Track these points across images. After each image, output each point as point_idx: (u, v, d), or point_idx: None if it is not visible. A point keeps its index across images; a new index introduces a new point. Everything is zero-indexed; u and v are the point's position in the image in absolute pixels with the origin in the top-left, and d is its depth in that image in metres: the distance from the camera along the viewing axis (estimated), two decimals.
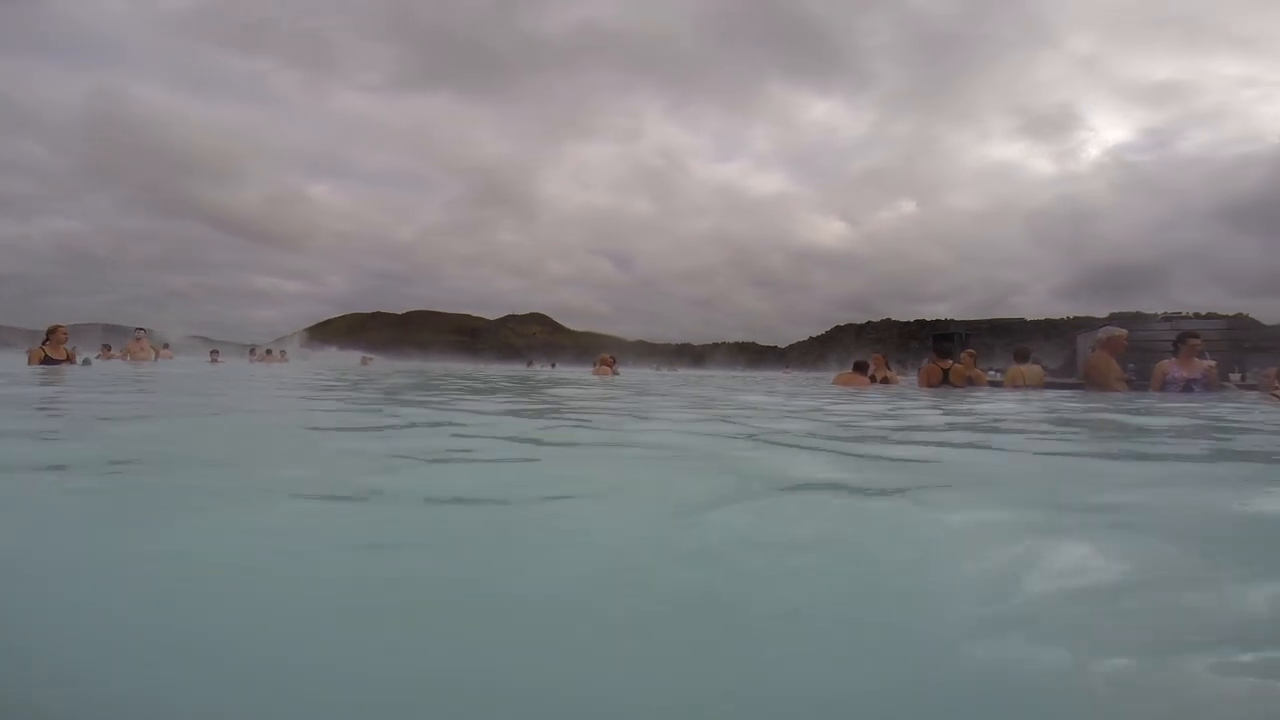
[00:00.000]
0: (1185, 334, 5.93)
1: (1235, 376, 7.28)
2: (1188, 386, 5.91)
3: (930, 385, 7.71)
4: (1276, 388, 5.08)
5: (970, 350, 8.61)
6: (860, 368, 8.33)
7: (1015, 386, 6.99)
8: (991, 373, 8.75)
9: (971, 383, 7.85)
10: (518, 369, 27.17)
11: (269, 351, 22.57)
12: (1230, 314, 43.56)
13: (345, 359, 37.73)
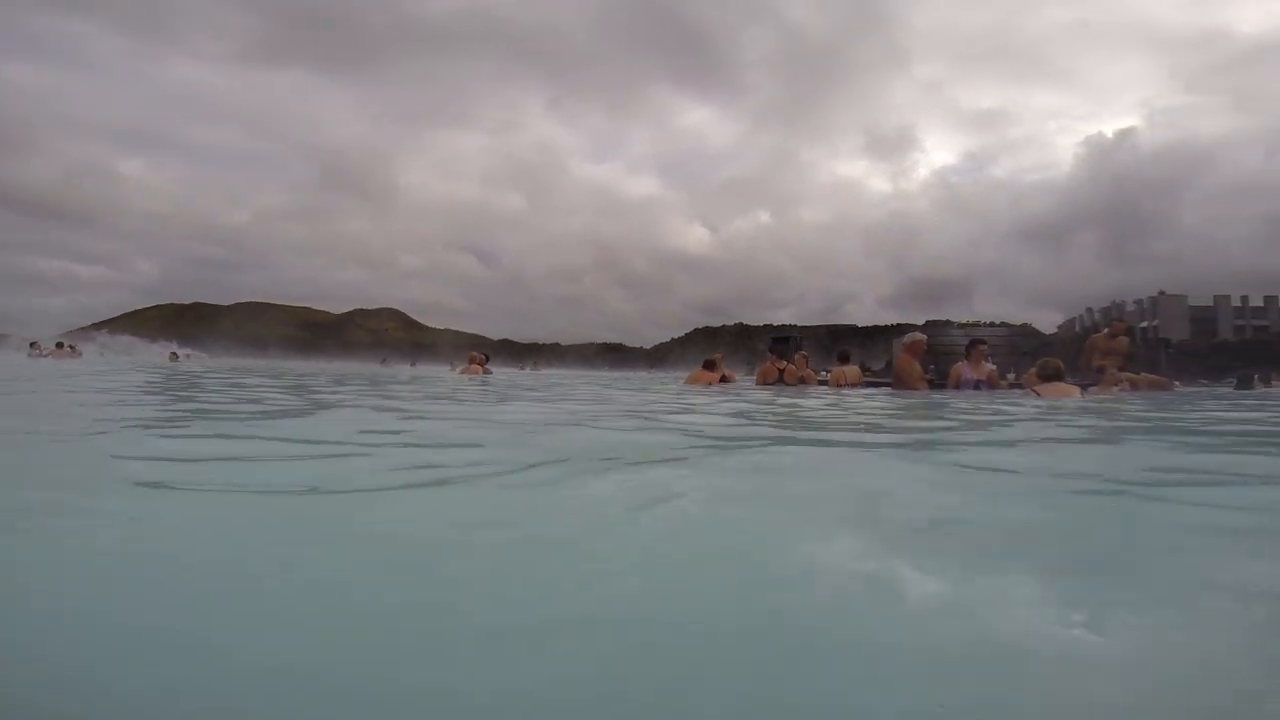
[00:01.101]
0: (974, 340, 6.79)
1: (1010, 376, 8.50)
2: (977, 386, 6.76)
3: (766, 383, 8.16)
4: (1036, 385, 5.95)
5: (803, 352, 9.25)
6: (709, 366, 8.65)
7: (838, 385, 7.59)
8: (822, 373, 9.46)
9: (804, 382, 8.42)
10: (368, 367, 25.15)
11: (59, 345, 18.76)
12: (1018, 323, 51.55)
13: (154, 354, 32.50)
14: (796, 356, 9.05)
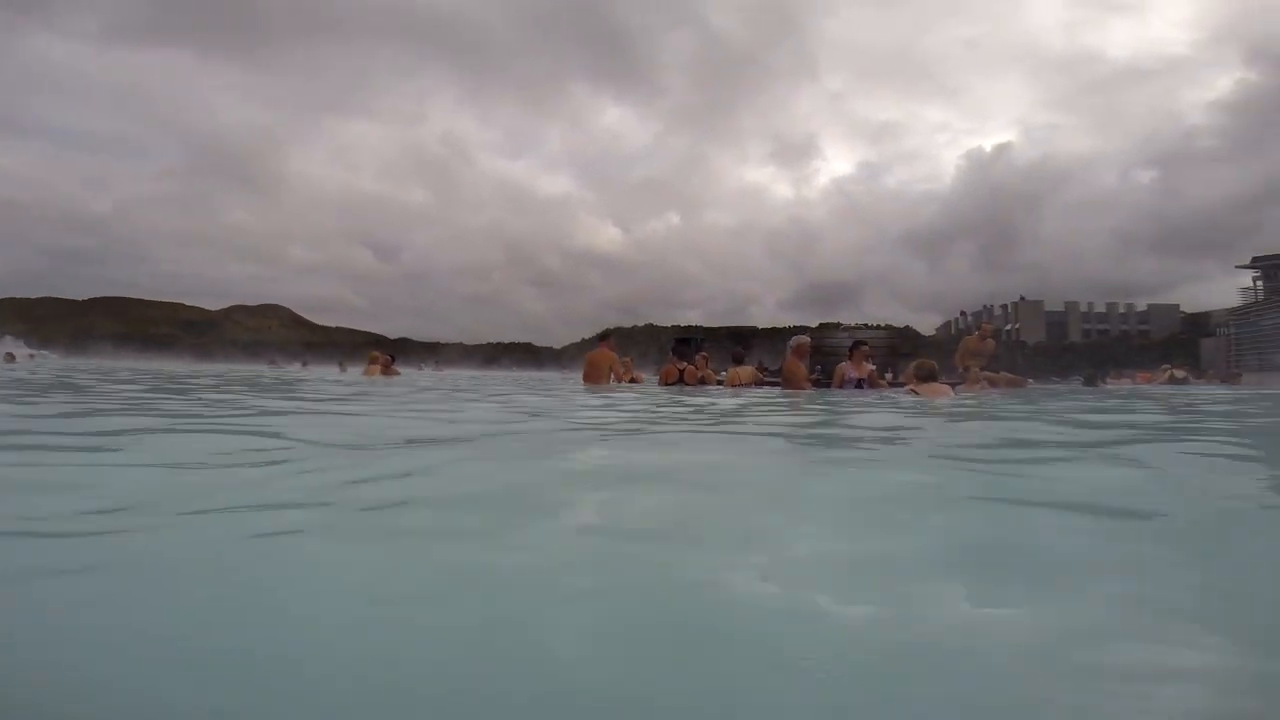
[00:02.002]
0: (856, 342, 7.25)
1: (888, 376, 9.13)
2: (859, 384, 7.20)
3: (668, 384, 8.28)
4: (915, 384, 6.41)
5: (704, 354, 9.48)
6: (603, 337, 8.82)
7: (734, 385, 7.84)
8: (721, 373, 9.73)
9: (704, 382, 8.62)
10: (254, 369, 23.19)
11: None
12: (900, 326, 55.67)
13: None
14: (697, 357, 9.26)
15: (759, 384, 8.36)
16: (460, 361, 79.47)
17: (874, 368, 7.20)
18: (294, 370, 21.34)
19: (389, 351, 12.15)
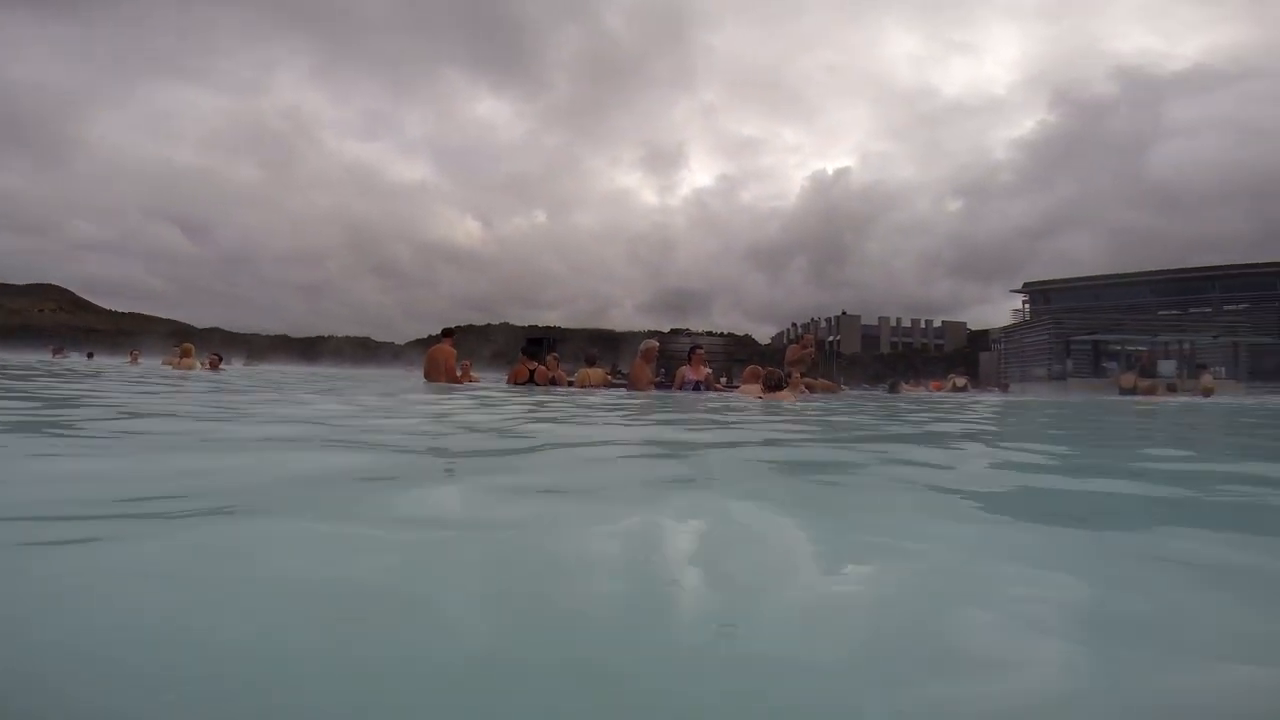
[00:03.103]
0: (694, 347, 7.75)
1: (723, 380, 9.85)
2: (696, 386, 7.68)
3: (517, 383, 8.22)
4: (761, 392, 6.99)
5: (554, 354, 9.53)
6: (446, 334, 8.65)
7: (583, 385, 7.99)
8: (574, 375, 9.86)
9: (554, 383, 8.67)
10: (30, 357, 19.12)
11: None
12: (741, 334, 59.85)
13: None
14: (549, 358, 9.29)
15: (608, 385, 8.59)
16: (280, 356, 71.76)
17: (710, 371, 7.74)
18: (81, 361, 18.05)
19: (202, 346, 11.20)
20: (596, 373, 8.29)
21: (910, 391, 16.16)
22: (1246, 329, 21.75)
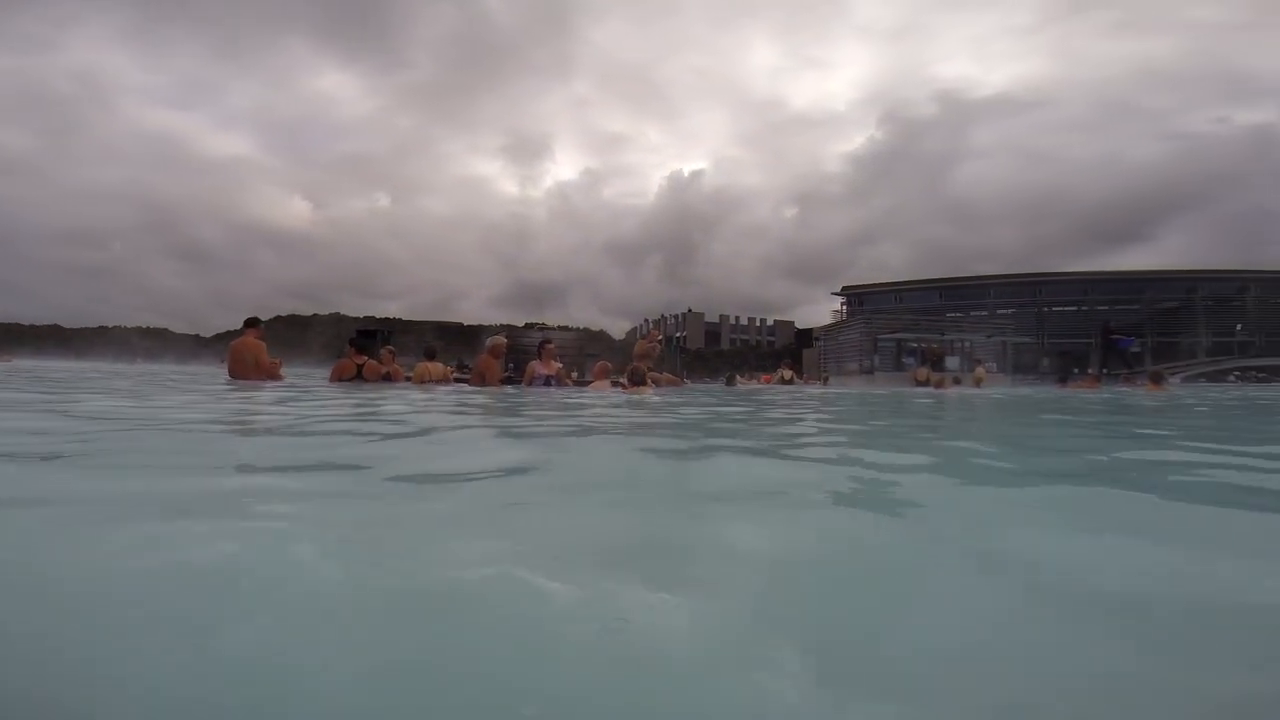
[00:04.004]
0: (543, 341, 7.56)
1: (574, 374, 9.79)
2: (547, 382, 7.51)
3: (342, 380, 7.46)
4: (604, 382, 6.97)
5: (390, 348, 8.81)
6: (251, 324, 7.67)
7: (422, 382, 7.46)
8: (409, 370, 9.18)
9: (389, 379, 8.00)
10: None
11: None
12: (596, 329, 60.34)
13: None
14: (383, 352, 8.57)
15: (451, 381, 8.11)
16: (59, 350, 59.50)
17: (561, 366, 7.61)
18: None
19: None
20: (437, 368, 7.77)
21: (744, 384, 17.30)
22: (1012, 330, 26.18)
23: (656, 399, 5.81)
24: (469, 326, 55.86)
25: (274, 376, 7.05)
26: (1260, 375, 22.63)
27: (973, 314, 37.04)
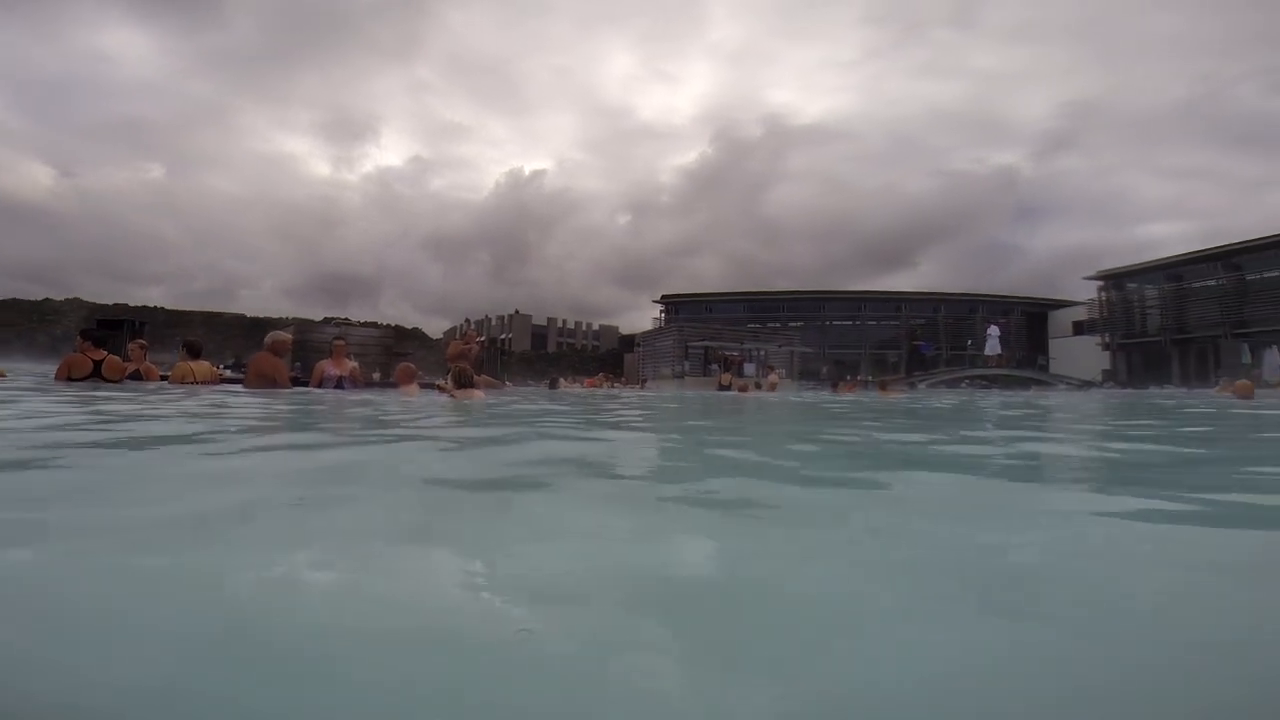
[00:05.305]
0: (335, 339, 6.92)
1: (376, 375, 9.13)
2: (339, 383, 6.89)
3: (72, 379, 6.16)
4: (413, 386, 6.56)
5: (141, 341, 7.48)
6: None
7: (181, 382, 6.42)
8: (167, 370, 7.86)
9: (141, 377, 6.78)
10: None
11: None
12: (410, 327, 56.73)
13: None
14: (131, 346, 7.24)
15: (220, 381, 7.08)
16: None
17: (356, 365, 7.03)
18: None
19: None
20: (203, 366, 6.72)
21: (568, 388, 17.47)
22: (799, 342, 29.65)
23: (482, 403, 5.64)
24: (254, 319, 49.18)
25: None
26: (984, 383, 28.39)
27: (769, 325, 41.20)
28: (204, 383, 6.69)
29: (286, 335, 6.62)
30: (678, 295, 54.23)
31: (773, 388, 17.32)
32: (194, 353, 6.85)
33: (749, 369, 21.38)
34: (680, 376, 23.90)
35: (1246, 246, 30.20)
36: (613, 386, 20.51)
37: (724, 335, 26.48)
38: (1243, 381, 8.37)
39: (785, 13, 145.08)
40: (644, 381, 26.12)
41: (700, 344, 25.24)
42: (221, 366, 8.26)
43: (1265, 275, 29.42)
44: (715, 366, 22.52)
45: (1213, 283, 31.52)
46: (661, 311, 52.36)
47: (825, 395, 13.39)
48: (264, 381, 6.47)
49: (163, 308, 50.51)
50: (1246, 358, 25.95)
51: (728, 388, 15.88)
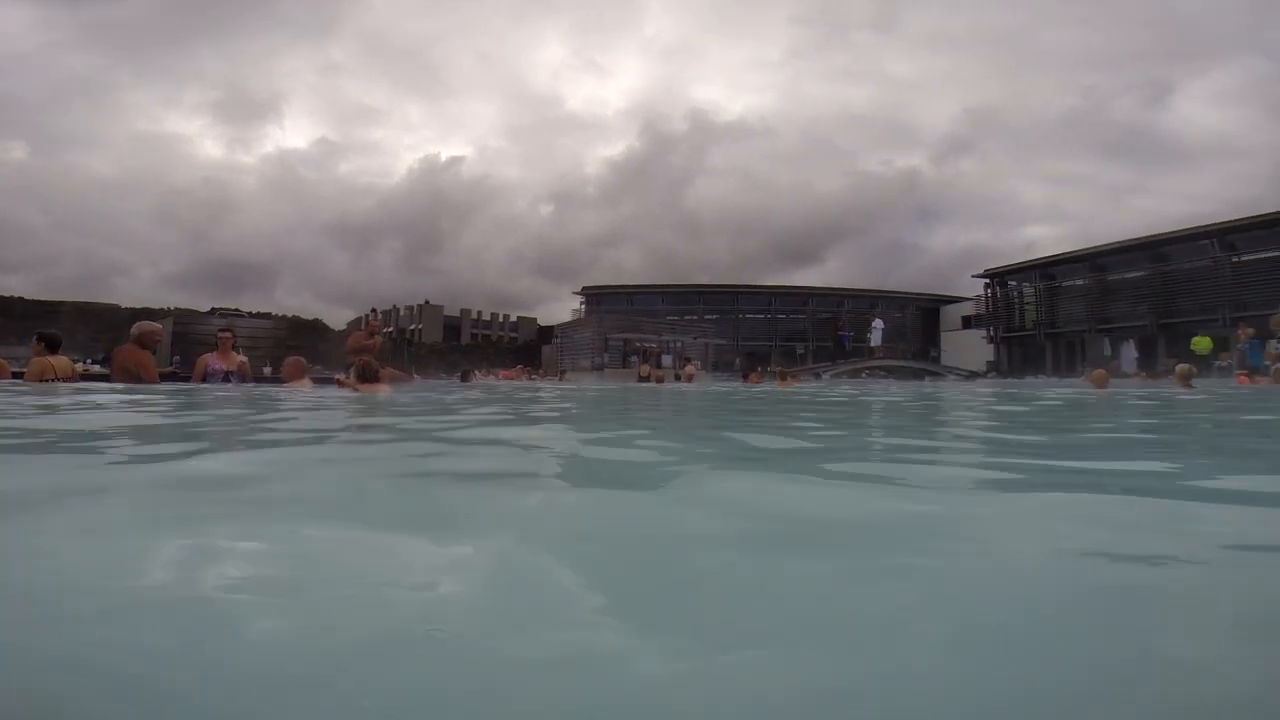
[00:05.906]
0: (221, 330, 6.40)
1: (267, 369, 8.53)
2: (227, 377, 6.38)
3: None
4: (305, 380, 6.14)
5: None
6: None
7: (38, 379, 5.73)
8: (20, 366, 6.99)
9: None
10: None
11: None
12: (310, 318, 53.22)
13: None
14: None
15: (83, 378, 6.38)
16: None
17: (245, 359, 6.52)
18: None
19: None
20: (62, 362, 6.02)
21: (482, 380, 17.04)
22: (714, 334, 30.42)
23: (387, 399, 5.36)
24: (129, 310, 44.58)
25: None
26: (883, 374, 30.26)
27: (686, 318, 42.00)
28: (65, 379, 5.99)
29: (155, 326, 6.04)
30: (599, 287, 54.10)
31: (689, 379, 17.65)
32: (52, 346, 6.10)
33: (666, 360, 21.70)
34: (600, 368, 23.89)
35: (1109, 249, 33.78)
36: (530, 378, 20.21)
37: (643, 327, 26.72)
38: (1098, 372, 9.34)
39: (719, 9, 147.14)
40: (563, 373, 25.90)
41: (619, 335, 25.34)
42: (89, 361, 7.43)
43: (1125, 276, 33.02)
44: (635, 358, 22.68)
45: (1080, 282, 35.05)
46: (582, 303, 52.05)
47: (738, 385, 13.80)
48: (127, 377, 5.89)
49: (22, 298, 44.81)
50: (1107, 351, 29.09)
51: (647, 379, 16.04)
